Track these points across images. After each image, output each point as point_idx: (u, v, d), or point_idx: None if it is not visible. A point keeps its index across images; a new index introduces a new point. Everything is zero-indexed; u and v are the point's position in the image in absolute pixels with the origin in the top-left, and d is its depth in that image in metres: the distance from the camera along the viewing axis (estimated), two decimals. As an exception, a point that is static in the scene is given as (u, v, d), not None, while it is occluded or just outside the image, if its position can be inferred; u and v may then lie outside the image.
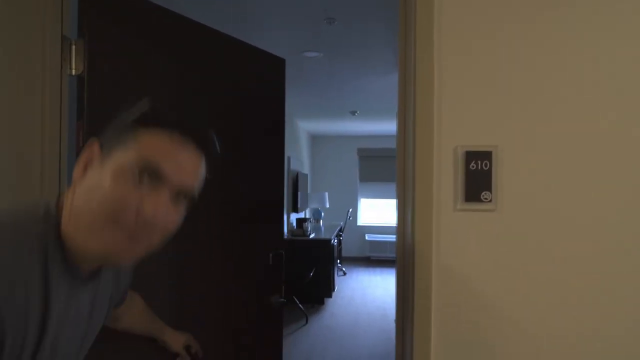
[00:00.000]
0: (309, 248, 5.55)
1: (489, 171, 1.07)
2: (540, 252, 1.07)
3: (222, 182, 1.67)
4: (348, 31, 3.08)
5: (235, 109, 1.69)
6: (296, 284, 4.83)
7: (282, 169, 1.97)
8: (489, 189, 1.07)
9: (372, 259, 8.48)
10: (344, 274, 7.34)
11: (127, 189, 0.61)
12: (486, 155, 1.08)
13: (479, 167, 1.07)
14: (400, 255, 1.21)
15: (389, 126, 7.33)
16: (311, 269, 5.26)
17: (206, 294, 1.57)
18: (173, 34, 1.51)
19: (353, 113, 5.98)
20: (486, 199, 1.08)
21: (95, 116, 1.30)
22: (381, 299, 5.87)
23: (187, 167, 0.66)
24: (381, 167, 8.52)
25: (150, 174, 0.62)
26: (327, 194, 7.66)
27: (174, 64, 1.49)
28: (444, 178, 1.09)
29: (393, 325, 5.00)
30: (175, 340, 1.26)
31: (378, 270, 7.72)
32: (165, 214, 0.64)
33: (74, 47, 1.27)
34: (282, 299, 1.85)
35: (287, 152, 5.96)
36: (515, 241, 1.08)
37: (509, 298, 1.08)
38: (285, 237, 5.62)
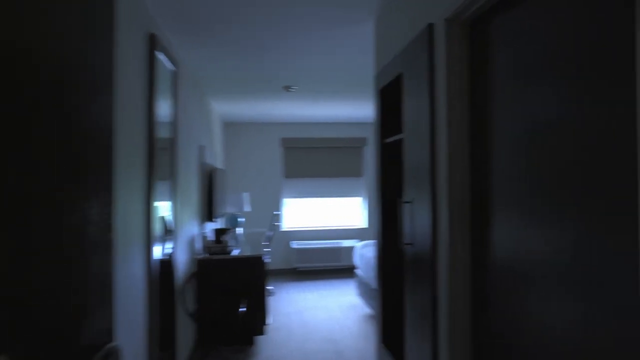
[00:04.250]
0: (233, 270, 4.06)
1: None
2: None
3: None
4: None
5: None
6: (221, 325, 3.33)
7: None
8: None
9: (299, 271, 7.18)
10: (271, 294, 5.93)
11: None
12: None
13: None
14: None
15: (330, 110, 6.08)
16: (239, 300, 3.80)
17: None
18: None
19: (287, 89, 4.61)
20: None
21: None
22: (326, 325, 4.60)
23: None
24: (309, 160, 7.26)
25: None
26: (246, 194, 6.16)
27: None
28: None
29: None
30: None
31: (310, 284, 6.45)
32: None
33: None
34: None
35: (200, 139, 4.38)
36: None
37: None
38: (200, 256, 4.06)
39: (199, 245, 4.27)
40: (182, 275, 3.44)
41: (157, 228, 2.66)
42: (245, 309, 3.97)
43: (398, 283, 2.66)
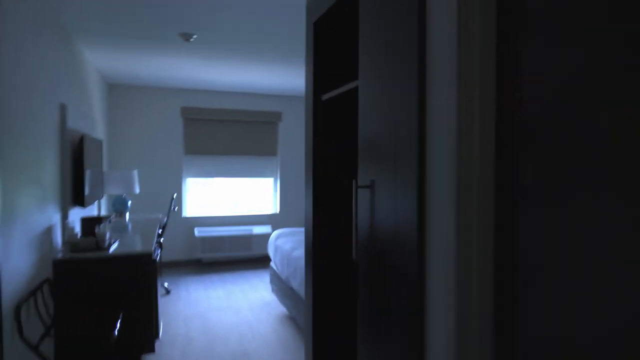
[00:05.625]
0: (108, 273, 3.04)
1: None
2: None
3: None
4: None
5: None
6: (86, 351, 2.37)
7: None
8: None
9: (204, 262, 6.22)
10: (167, 292, 4.93)
11: None
12: None
13: None
14: None
15: (241, 75, 5.12)
16: (115, 313, 2.82)
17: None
18: None
19: (186, 38, 3.59)
20: None
21: None
22: (235, 332, 3.79)
23: None
24: (215, 135, 6.25)
25: None
26: (136, 172, 5.02)
27: None
28: None
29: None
30: None
31: (215, 278, 5.55)
32: None
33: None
34: None
35: (60, 96, 3.23)
36: None
37: None
38: (60, 256, 2.97)
39: (59, 240, 3.17)
40: (18, 288, 2.38)
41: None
42: (122, 324, 3.00)
43: (340, 301, 1.94)
